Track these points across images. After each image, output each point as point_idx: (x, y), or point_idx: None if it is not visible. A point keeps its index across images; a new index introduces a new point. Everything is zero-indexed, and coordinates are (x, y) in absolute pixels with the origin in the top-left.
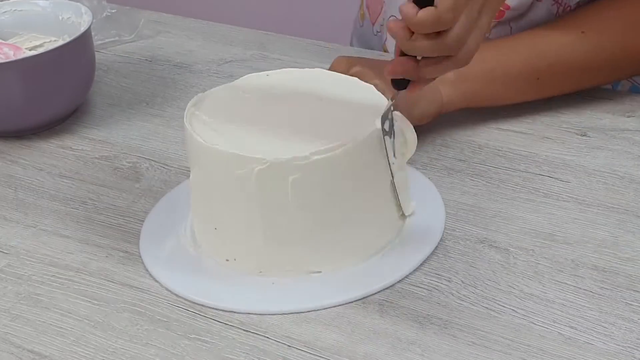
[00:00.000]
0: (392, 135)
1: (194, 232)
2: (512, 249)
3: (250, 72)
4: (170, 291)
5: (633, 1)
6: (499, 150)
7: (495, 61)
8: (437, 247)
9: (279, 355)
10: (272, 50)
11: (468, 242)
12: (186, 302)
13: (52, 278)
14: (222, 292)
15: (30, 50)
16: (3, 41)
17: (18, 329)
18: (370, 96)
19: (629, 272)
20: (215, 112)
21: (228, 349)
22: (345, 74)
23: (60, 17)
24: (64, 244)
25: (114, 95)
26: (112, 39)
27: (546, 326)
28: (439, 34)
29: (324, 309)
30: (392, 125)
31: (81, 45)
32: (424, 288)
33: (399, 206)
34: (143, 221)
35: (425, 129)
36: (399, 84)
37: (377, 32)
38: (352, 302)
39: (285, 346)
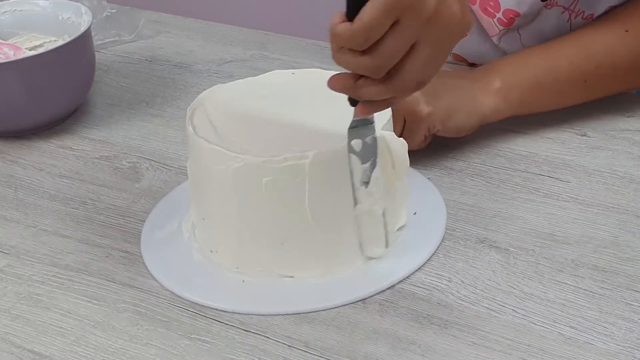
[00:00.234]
0: (369, 162)
1: (195, 230)
2: (512, 249)
3: (250, 72)
4: (171, 292)
5: None
6: (499, 150)
7: (543, 67)
8: (437, 247)
9: (279, 355)
10: (272, 50)
11: (468, 242)
12: (186, 302)
13: (52, 278)
14: (222, 292)
15: (30, 50)
16: (3, 41)
17: (18, 329)
18: None
19: (629, 272)
20: (224, 106)
21: (228, 349)
22: None
23: (60, 17)
24: (64, 244)
25: (114, 95)
26: (112, 39)
27: (546, 326)
28: (363, 51)
29: (324, 309)
30: (372, 150)
31: (81, 45)
32: (424, 288)
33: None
34: (143, 221)
35: None
36: (351, 101)
37: None
38: (352, 302)
39: (285, 346)
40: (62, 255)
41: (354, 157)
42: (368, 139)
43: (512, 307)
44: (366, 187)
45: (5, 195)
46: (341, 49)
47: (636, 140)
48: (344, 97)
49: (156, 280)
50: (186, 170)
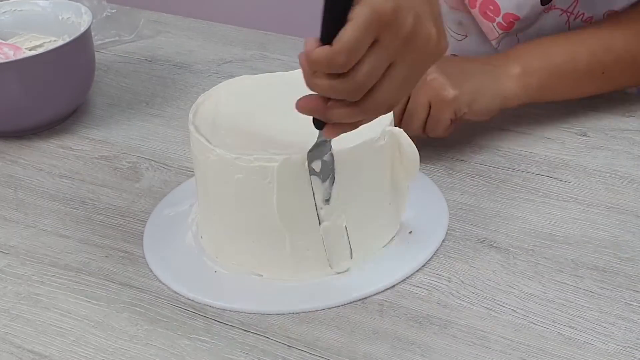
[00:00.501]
0: (328, 179)
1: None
2: (512, 249)
3: (250, 72)
4: (175, 292)
5: None
6: (499, 150)
7: (563, 56)
8: (438, 247)
9: (279, 355)
10: (272, 50)
11: (468, 242)
12: (186, 302)
13: (52, 278)
14: (223, 292)
15: (30, 50)
16: (3, 41)
17: (18, 329)
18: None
19: (629, 272)
20: (236, 98)
21: (228, 349)
22: None
23: (60, 17)
24: (63, 244)
25: (114, 95)
26: (112, 39)
27: (546, 326)
28: (339, 75)
29: (324, 309)
30: (330, 167)
31: (81, 45)
32: (424, 288)
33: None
34: (143, 221)
35: None
36: (317, 123)
37: None
38: (352, 302)
39: (285, 346)
40: (62, 255)
41: (314, 178)
42: (326, 157)
43: (511, 307)
44: (328, 204)
45: (5, 195)
46: (315, 73)
47: (636, 140)
48: None
49: (160, 281)
50: (186, 170)
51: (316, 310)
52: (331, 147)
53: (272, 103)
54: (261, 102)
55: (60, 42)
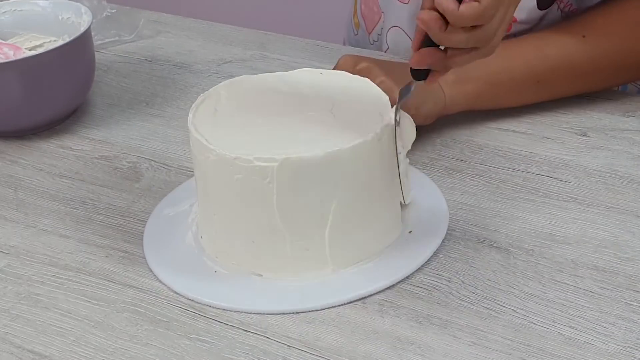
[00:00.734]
0: (398, 125)
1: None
2: (512, 249)
3: (250, 72)
4: (175, 292)
5: (634, 5)
6: (499, 150)
7: (500, 65)
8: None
9: (279, 355)
10: (272, 50)
11: (468, 242)
12: (186, 302)
13: (52, 278)
14: (223, 292)
15: (30, 50)
16: (3, 41)
17: (18, 329)
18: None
19: (629, 272)
20: (236, 98)
21: (228, 349)
22: (352, 70)
23: (60, 17)
24: (63, 244)
25: (114, 95)
26: (112, 39)
27: (546, 326)
28: (474, 27)
29: (324, 309)
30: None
31: (81, 45)
32: (424, 288)
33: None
34: (143, 221)
35: (426, 129)
36: (418, 75)
37: (374, 41)
38: (352, 302)
39: (285, 346)
40: (62, 255)
41: (397, 128)
42: (401, 105)
43: (511, 307)
44: (403, 150)
45: (5, 195)
46: (448, 29)
47: (636, 140)
48: (356, 102)
49: (161, 282)
50: (186, 170)
51: (316, 310)
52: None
53: (272, 103)
54: (261, 102)
55: (60, 42)
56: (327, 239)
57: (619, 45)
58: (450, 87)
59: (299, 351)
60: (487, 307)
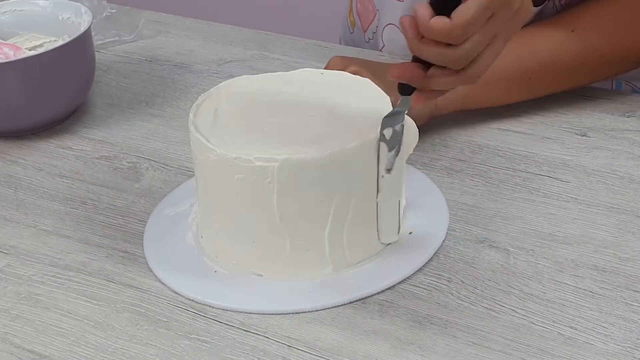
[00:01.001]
0: (395, 149)
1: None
2: (512, 249)
3: (250, 72)
4: (175, 292)
5: (621, 1)
6: (499, 150)
7: None
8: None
9: (279, 355)
10: (272, 50)
11: (468, 242)
12: (186, 302)
13: (52, 278)
14: (223, 292)
15: (30, 50)
16: (3, 41)
17: (18, 329)
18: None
19: (629, 272)
20: (237, 97)
21: (228, 349)
22: None
23: (60, 17)
24: (63, 244)
25: (114, 95)
26: (112, 39)
27: (546, 326)
28: (449, 44)
29: (324, 309)
30: (398, 138)
31: (81, 45)
32: (424, 288)
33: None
34: (143, 221)
35: (425, 129)
36: (404, 90)
37: (370, 39)
38: (352, 302)
39: (285, 346)
40: (62, 255)
41: (382, 145)
42: (397, 127)
43: (511, 307)
44: (389, 173)
45: (5, 195)
46: (422, 39)
47: (636, 140)
48: (357, 102)
49: (161, 282)
50: (186, 170)
51: (316, 310)
52: (404, 118)
53: (273, 103)
54: (262, 102)
55: (60, 42)
56: (327, 239)
57: (606, 40)
58: None
59: (299, 351)
60: (487, 307)
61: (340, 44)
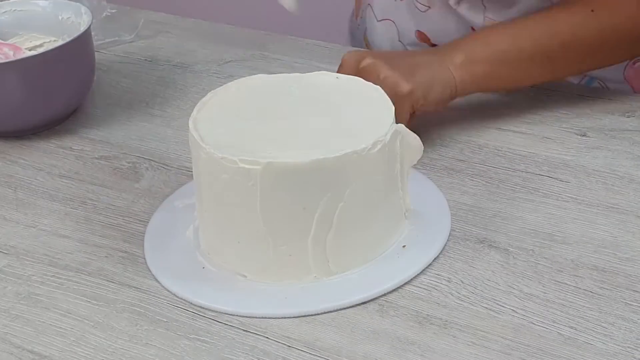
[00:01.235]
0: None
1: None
2: (512, 249)
3: (250, 72)
4: (176, 295)
5: None
6: (499, 150)
7: (507, 44)
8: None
9: (279, 355)
10: (272, 50)
11: (468, 242)
12: (186, 302)
13: (52, 278)
14: (224, 294)
15: (30, 50)
16: (3, 41)
17: (18, 329)
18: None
19: (629, 272)
20: (243, 95)
21: (228, 349)
22: (357, 66)
23: (60, 17)
24: (63, 244)
25: (114, 95)
26: (112, 39)
27: (545, 326)
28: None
29: (324, 309)
30: None
31: (81, 45)
32: (424, 288)
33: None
34: (143, 221)
35: (425, 129)
36: None
37: (359, 25)
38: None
39: (285, 346)
40: (62, 255)
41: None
42: None
43: (511, 307)
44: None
45: (5, 195)
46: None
47: (636, 140)
48: (362, 111)
49: (160, 283)
50: (186, 170)
51: (316, 311)
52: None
53: (280, 105)
54: (269, 102)
55: (60, 42)
56: (310, 247)
57: (625, 20)
58: (458, 69)
59: (299, 351)
60: (486, 307)
61: (348, 37)
